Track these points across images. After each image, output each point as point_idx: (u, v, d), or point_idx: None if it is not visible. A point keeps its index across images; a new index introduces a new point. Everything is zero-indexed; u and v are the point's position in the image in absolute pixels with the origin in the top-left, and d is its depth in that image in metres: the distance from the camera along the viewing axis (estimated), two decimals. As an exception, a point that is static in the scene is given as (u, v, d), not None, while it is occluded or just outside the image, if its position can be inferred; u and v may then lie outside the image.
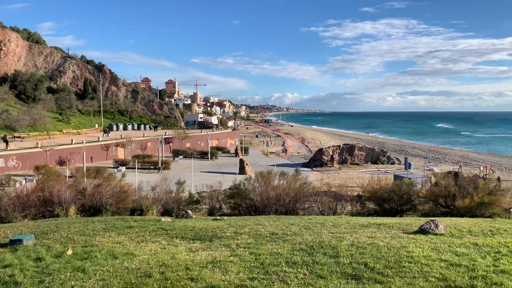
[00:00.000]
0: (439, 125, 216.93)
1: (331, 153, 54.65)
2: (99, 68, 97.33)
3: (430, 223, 10.32)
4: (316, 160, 54.55)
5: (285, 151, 72.24)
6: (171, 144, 63.46)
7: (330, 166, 52.86)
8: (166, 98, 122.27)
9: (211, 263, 7.28)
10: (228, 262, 7.32)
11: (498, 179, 36.63)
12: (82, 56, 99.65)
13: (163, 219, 13.83)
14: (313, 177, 43.91)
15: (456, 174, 26.92)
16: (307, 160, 57.54)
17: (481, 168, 46.58)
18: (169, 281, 6.31)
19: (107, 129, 67.40)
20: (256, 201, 21.92)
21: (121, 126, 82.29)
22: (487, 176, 38.30)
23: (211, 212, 22.31)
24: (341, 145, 58.96)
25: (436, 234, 9.59)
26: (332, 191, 25.25)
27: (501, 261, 6.89)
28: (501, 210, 20.57)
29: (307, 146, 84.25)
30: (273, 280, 6.28)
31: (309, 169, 51.11)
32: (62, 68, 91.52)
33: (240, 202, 22.57)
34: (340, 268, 6.82)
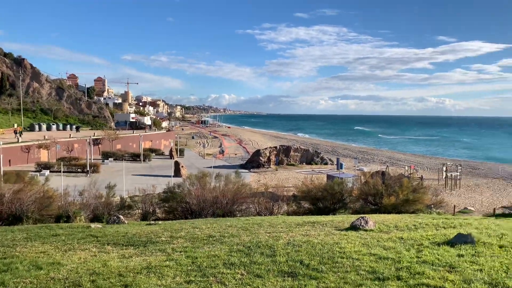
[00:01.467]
0: (357, 127, 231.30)
1: (268, 154, 55.57)
2: (19, 62, 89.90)
3: (360, 219, 10.88)
4: (254, 161, 55.15)
5: (222, 152, 72.13)
6: (100, 145, 60.42)
7: (267, 167, 53.71)
8: (95, 97, 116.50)
9: (146, 268, 7.01)
10: (164, 266, 7.10)
11: (421, 177, 39.74)
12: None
13: (92, 225, 13.08)
14: (250, 178, 44.32)
15: (383, 174, 28.71)
16: (245, 162, 57.97)
17: (406, 168, 50.20)
18: (100, 290, 5.96)
19: (19, 130, 59.77)
20: (192, 204, 21.60)
21: (44, 126, 76.75)
22: (411, 175, 41.38)
23: (144, 217, 21.58)
24: (278, 147, 60.21)
25: (366, 230, 10.11)
26: (269, 192, 25.67)
27: (423, 252, 7.45)
28: (423, 207, 22.32)
29: (244, 147, 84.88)
30: (211, 282, 6.20)
31: (247, 170, 51.52)
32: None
33: (175, 206, 22.09)
34: (277, 266, 6.92)
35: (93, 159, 51.26)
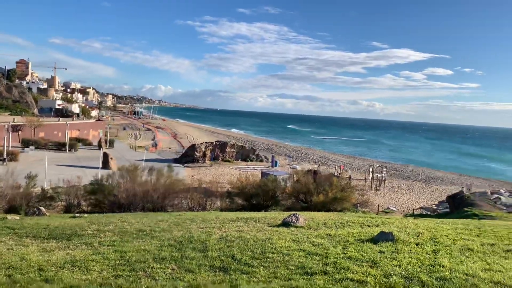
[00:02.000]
0: (290, 126, 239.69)
1: (203, 149, 55.10)
2: None
3: (292, 216, 11.20)
4: (188, 156, 54.37)
5: (155, 145, 70.14)
6: (20, 132, 55.75)
7: (202, 163, 53.24)
8: (17, 80, 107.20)
9: (69, 262, 6.61)
10: (89, 261, 6.74)
11: (349, 177, 41.91)
12: None
13: (9, 217, 12.07)
14: (184, 173, 43.65)
15: (315, 172, 29.83)
16: (179, 156, 56.94)
17: (336, 168, 52.61)
18: (18, 284, 5.51)
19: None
20: (121, 197, 20.85)
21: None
22: (341, 174, 43.45)
23: (68, 209, 20.45)
24: (214, 142, 59.96)
25: (296, 227, 10.43)
26: (202, 187, 25.49)
27: (349, 248, 7.85)
28: (350, 205, 23.56)
29: (179, 141, 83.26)
30: (140, 277, 6.01)
31: (181, 165, 50.65)
32: None
33: (102, 199, 21.18)
34: (209, 261, 6.89)
35: (11, 146, 47.22)
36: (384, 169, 48.55)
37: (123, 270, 6.33)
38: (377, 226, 10.63)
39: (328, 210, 20.16)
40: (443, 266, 6.61)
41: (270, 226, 10.60)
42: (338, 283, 5.86)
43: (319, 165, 55.32)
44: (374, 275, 6.19)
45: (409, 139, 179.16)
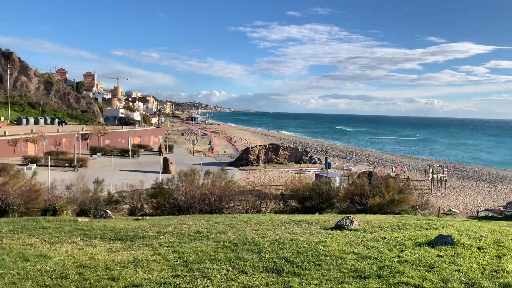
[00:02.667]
0: (338, 127, 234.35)
1: (257, 152, 55.72)
2: (7, 55, 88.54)
3: (345, 219, 11.08)
4: (243, 159, 55.26)
5: (211, 149, 72.07)
6: (88, 140, 59.91)
7: (256, 165, 53.87)
8: (84, 91, 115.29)
9: (132, 262, 7.10)
10: (150, 261, 7.19)
11: (408, 179, 40.30)
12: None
13: (79, 219, 13.08)
14: (239, 176, 44.44)
15: (370, 174, 29.05)
16: (234, 159, 58.04)
17: (393, 169, 50.79)
18: (88, 282, 6.03)
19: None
20: (180, 200, 21.64)
21: (31, 120, 75.75)
22: (398, 176, 41.89)
23: (132, 212, 21.58)
24: (267, 145, 60.42)
25: (351, 230, 10.31)
26: (257, 189, 25.82)
27: (405, 252, 7.65)
28: (409, 207, 22.68)
29: (234, 145, 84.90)
30: (197, 277, 6.31)
31: (236, 168, 51.62)
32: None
33: (163, 202, 22.11)
34: (262, 263, 7.06)
35: (81, 154, 50.83)
36: (445, 169, 46.03)
37: (181, 270, 6.69)
38: (436, 229, 10.21)
39: (385, 213, 19.58)
40: (507, 272, 6.26)
41: (324, 229, 10.57)
42: (393, 287, 5.76)
43: (375, 166, 53.72)
44: (431, 279, 6.01)
45: (472, 136, 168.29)
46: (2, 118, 72.51)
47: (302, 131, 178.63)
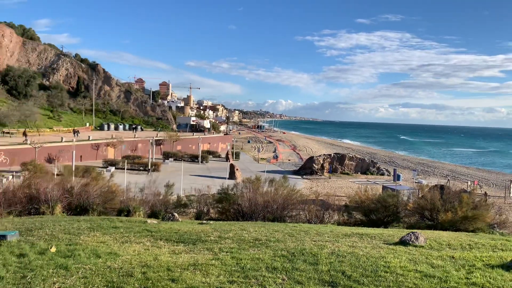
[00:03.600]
0: (402, 137, 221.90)
1: (321, 161, 55.00)
2: (93, 67, 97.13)
3: (411, 235, 10.55)
4: (307, 168, 54.84)
5: (276, 157, 72.48)
6: (162, 146, 63.39)
7: (320, 175, 53.16)
8: (159, 100, 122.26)
9: (192, 265, 7.41)
10: (209, 265, 7.45)
11: (485, 194, 37.20)
12: (76, 54, 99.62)
13: (149, 221, 13.90)
14: (302, 185, 44.16)
15: (442, 187, 27.29)
16: (298, 168, 57.83)
17: (469, 183, 47.21)
18: (150, 281, 6.42)
19: (77, 130, 61.70)
20: (244, 206, 22.00)
21: (112, 126, 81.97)
22: (474, 190, 38.85)
23: (198, 216, 22.34)
24: (332, 154, 59.38)
25: (415, 246, 9.80)
26: (319, 199, 25.45)
27: (474, 274, 7.10)
28: (485, 225, 20.89)
29: (298, 153, 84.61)
30: (252, 284, 6.43)
31: (299, 177, 51.38)
32: (55, 66, 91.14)
33: (228, 207, 22.62)
34: (318, 275, 6.99)
35: (154, 158, 53.88)
36: (530, 184, 41.72)
37: (238, 276, 6.85)
38: (514, 251, 9.34)
39: (457, 230, 18.25)
40: None
41: (386, 243, 10.17)
42: (456, 311, 5.40)
43: (448, 179, 50.29)
44: (501, 306, 5.53)
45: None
46: (88, 124, 79.44)
47: (363, 140, 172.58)
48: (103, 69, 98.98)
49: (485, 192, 40.48)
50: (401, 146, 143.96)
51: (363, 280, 6.70)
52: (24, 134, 50.25)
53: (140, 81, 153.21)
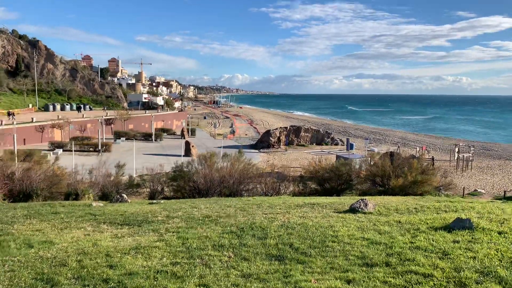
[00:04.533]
0: (349, 107, 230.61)
1: (278, 134, 55.28)
2: (33, 44, 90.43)
3: (360, 202, 10.67)
4: (264, 142, 54.98)
5: (233, 133, 72.06)
6: (112, 125, 60.88)
7: (277, 148, 53.53)
8: (109, 77, 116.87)
9: (134, 249, 6.99)
10: (152, 247, 7.06)
11: (432, 159, 39.09)
12: (14, 31, 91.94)
13: (94, 203, 13.19)
14: (260, 158, 44.28)
15: (391, 154, 28.21)
16: (255, 142, 57.87)
17: (418, 149, 49.37)
18: (85, 269, 5.95)
19: (12, 113, 56.36)
20: (200, 183, 21.65)
21: (58, 106, 77.52)
22: (422, 156, 40.69)
23: (152, 196, 21.76)
24: (288, 127, 59.82)
25: (364, 213, 9.93)
26: (276, 172, 25.55)
27: (418, 237, 7.22)
28: (432, 188, 21.90)
29: (255, 127, 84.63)
30: (196, 265, 6.13)
31: (256, 151, 51.46)
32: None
33: (183, 185, 22.18)
34: (266, 249, 6.81)
35: (105, 138, 51.71)
36: (472, 148, 44.28)
37: (182, 257, 6.52)
38: (455, 211, 9.69)
39: (406, 194, 18.98)
40: (529, 260, 5.77)
41: (337, 212, 10.22)
42: (400, 276, 5.41)
43: (398, 146, 52.39)
44: (443, 268, 5.61)
45: (501, 115, 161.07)
46: (30, 105, 74.57)
47: (318, 112, 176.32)
48: (45, 46, 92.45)
49: (432, 157, 42.61)
50: (352, 116, 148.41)
51: (310, 252, 6.60)
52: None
53: (87, 58, 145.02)
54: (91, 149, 45.70)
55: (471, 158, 41.89)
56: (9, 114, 55.69)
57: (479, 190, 29.15)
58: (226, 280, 5.47)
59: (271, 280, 5.42)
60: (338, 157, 37.71)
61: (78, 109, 76.56)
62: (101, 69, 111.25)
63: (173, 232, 8.22)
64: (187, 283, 5.36)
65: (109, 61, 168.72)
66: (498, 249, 6.35)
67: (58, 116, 56.46)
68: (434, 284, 5.11)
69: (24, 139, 46.11)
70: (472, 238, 7.02)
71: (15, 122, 46.27)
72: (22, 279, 5.63)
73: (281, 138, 55.16)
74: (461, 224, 7.69)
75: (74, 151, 37.97)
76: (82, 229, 8.77)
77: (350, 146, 49.56)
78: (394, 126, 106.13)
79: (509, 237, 7.00)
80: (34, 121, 51.65)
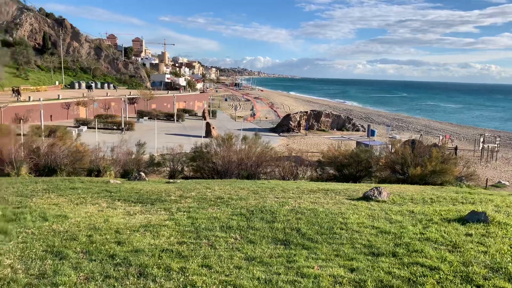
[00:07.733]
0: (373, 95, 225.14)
1: (298, 119, 54.89)
2: (60, 22, 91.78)
3: (374, 190, 10.50)
4: (283, 126, 54.75)
5: (253, 115, 71.97)
6: (135, 104, 61.72)
7: (296, 132, 53.24)
8: (133, 57, 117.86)
9: (144, 227, 7.11)
10: (162, 226, 7.17)
11: (455, 148, 38.07)
12: (41, 9, 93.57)
13: (112, 180, 13.47)
14: (279, 142, 44.19)
15: (413, 142, 27.61)
16: (275, 125, 57.67)
17: (441, 137, 48.16)
18: (94, 245, 6.10)
19: (17, 90, 51.64)
20: (218, 164, 21.79)
21: (83, 84, 78.97)
22: (444, 144, 39.67)
23: (172, 175, 22.06)
24: (309, 111, 59.27)
25: (378, 201, 9.77)
26: (294, 156, 25.44)
27: (429, 229, 7.06)
28: (452, 178, 21.37)
29: (275, 111, 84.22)
30: (202, 245, 6.19)
31: (276, 134, 51.34)
32: (18, 21, 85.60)
33: (202, 165, 22.38)
34: (273, 233, 6.81)
35: (128, 117, 52.57)
36: (498, 138, 42.80)
37: (189, 237, 6.60)
38: (473, 203, 9.41)
39: (426, 184, 18.58)
40: (543, 257, 5.57)
41: (350, 199, 10.11)
42: (405, 268, 5.31)
43: (421, 134, 51.20)
44: (451, 261, 5.48)
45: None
46: (57, 82, 76.27)
47: (342, 96, 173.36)
48: (71, 25, 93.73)
49: (456, 146, 41.46)
50: (378, 102, 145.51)
51: (317, 238, 6.56)
52: (17, 91, 48.24)
53: (112, 37, 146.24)
54: (114, 127, 46.60)
55: (496, 148, 40.58)
56: (13, 91, 51.36)
57: (503, 182, 28.31)
58: (229, 262, 5.51)
59: (274, 264, 5.43)
60: (358, 143, 37.22)
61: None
62: (125, 49, 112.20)
63: (183, 212, 8.32)
64: (190, 263, 5.43)
65: (133, 40, 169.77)
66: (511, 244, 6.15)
67: (83, 94, 57.64)
68: (440, 277, 4.99)
69: (51, 116, 47.37)
70: (486, 232, 6.82)
71: (19, 99, 47.04)
72: (33, 250, 5.82)
73: (301, 122, 54.77)
74: (476, 217, 7.47)
75: (98, 128, 38.80)
76: (97, 205, 8.98)
77: (371, 133, 48.81)
78: (417, 113, 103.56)
79: (525, 233, 6.77)
80: (60, 98, 52.90)
